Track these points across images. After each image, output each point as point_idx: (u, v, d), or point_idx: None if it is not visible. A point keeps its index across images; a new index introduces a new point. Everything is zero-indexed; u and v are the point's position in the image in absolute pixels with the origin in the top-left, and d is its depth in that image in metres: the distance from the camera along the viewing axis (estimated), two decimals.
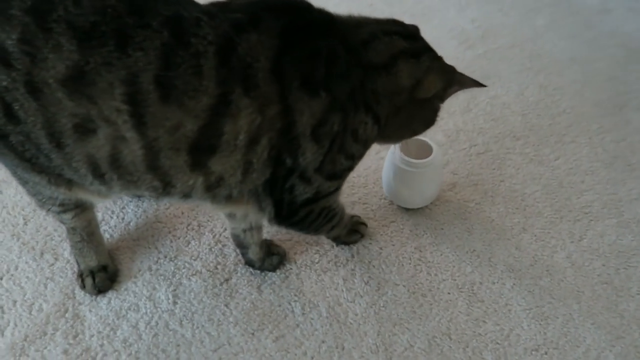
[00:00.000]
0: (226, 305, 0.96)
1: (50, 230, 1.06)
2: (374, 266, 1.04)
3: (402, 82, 0.84)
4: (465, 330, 0.94)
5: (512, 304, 0.98)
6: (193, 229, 1.09)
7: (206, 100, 0.69)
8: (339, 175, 0.86)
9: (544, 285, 1.02)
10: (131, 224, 1.09)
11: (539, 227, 1.13)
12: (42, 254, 1.02)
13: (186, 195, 0.78)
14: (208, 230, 1.09)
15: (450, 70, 0.91)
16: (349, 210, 1.15)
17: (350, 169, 0.88)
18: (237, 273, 1.01)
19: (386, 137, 0.91)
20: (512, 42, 1.75)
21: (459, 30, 1.80)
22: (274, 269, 1.01)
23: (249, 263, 1.01)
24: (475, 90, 1.51)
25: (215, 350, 0.89)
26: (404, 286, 1.01)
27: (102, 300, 0.95)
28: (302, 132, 0.76)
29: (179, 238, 1.07)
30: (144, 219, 1.10)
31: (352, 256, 1.05)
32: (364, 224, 1.09)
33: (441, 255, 1.07)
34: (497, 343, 0.93)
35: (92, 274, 0.96)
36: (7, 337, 0.89)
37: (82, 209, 0.91)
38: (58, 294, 0.96)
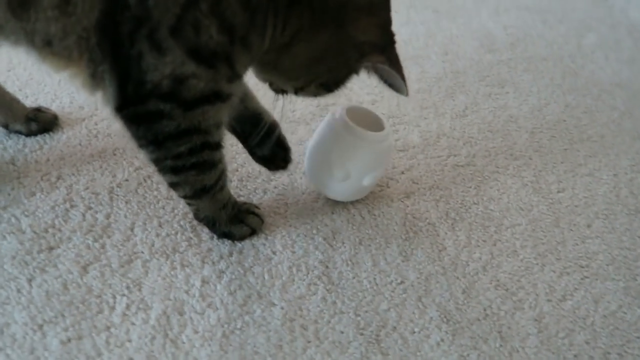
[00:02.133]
0: (29, 281, 0.69)
1: None
2: (253, 273, 0.74)
3: None
4: None
5: None
6: (48, 181, 0.84)
7: None
8: (206, 58, 0.57)
9: (486, 352, 0.68)
10: None
11: (506, 271, 0.80)
12: None
13: None
14: (66, 185, 0.83)
15: (389, 38, 0.66)
16: (255, 199, 0.87)
17: (228, 59, 0.59)
18: (69, 243, 0.75)
19: (282, 57, 0.65)
20: (547, 54, 1.42)
21: (484, 32, 1.50)
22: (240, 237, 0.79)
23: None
24: (480, 96, 1.21)
25: None
26: (282, 308, 0.70)
27: None
28: None
29: (24, 187, 0.82)
30: None
31: (230, 254, 0.76)
32: (257, 215, 0.80)
33: (353, 278, 0.76)
34: None
35: None
36: None
37: None
38: None
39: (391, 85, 0.70)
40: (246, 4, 0.56)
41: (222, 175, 0.72)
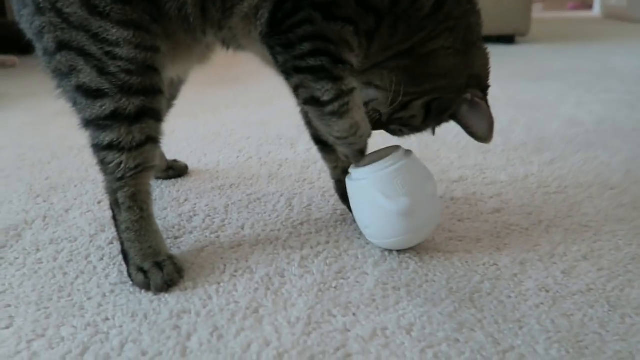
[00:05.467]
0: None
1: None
2: (348, 254, 0.79)
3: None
4: (435, 329, 0.61)
5: (528, 323, 0.63)
6: (177, 201, 1.00)
7: None
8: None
9: (592, 314, 0.64)
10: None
11: (610, 259, 0.77)
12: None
13: None
14: (190, 204, 0.99)
15: (486, 87, 0.79)
16: None
17: (377, 16, 0.70)
18: (190, 235, 0.87)
19: (416, 65, 0.75)
20: (638, 126, 1.45)
21: (568, 116, 1.58)
22: None
23: None
24: (568, 152, 1.24)
25: (114, 284, 0.73)
26: (374, 276, 0.73)
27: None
28: None
29: (158, 205, 0.99)
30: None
31: (327, 242, 0.83)
32: None
33: (445, 260, 0.77)
34: None
35: (158, 265, 0.73)
36: None
37: (144, 160, 0.74)
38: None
39: (474, 133, 0.78)
40: None
41: (339, 99, 0.71)
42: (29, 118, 1.69)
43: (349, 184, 0.80)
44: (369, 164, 0.77)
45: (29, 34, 0.74)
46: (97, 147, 0.74)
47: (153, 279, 0.71)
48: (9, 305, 0.68)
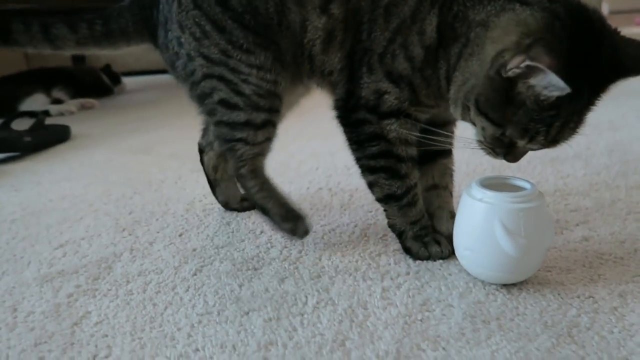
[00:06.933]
0: (240, 286, 0.82)
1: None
2: (430, 286, 0.78)
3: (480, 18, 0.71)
4: None
5: None
6: (253, 233, 1.02)
7: None
8: (396, 78, 0.78)
9: None
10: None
11: None
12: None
13: (310, 54, 0.84)
14: (267, 236, 1.00)
15: (538, 38, 0.65)
16: None
17: (409, 82, 0.77)
18: (270, 266, 0.88)
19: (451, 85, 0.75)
20: None
21: None
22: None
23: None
24: None
25: (200, 315, 0.75)
26: (461, 309, 0.71)
27: None
28: (382, 3, 0.77)
29: (236, 237, 1.01)
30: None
31: (407, 273, 0.81)
32: (440, 245, 0.85)
33: (535, 292, 0.74)
34: None
35: (295, 216, 0.94)
36: None
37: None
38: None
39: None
40: (421, 35, 0.75)
41: (410, 192, 0.84)
42: (111, 156, 1.80)
43: (467, 199, 0.74)
44: (496, 189, 0.73)
45: (181, 78, 0.92)
46: (229, 141, 0.92)
47: (292, 225, 0.92)
48: (106, 335, 0.71)
